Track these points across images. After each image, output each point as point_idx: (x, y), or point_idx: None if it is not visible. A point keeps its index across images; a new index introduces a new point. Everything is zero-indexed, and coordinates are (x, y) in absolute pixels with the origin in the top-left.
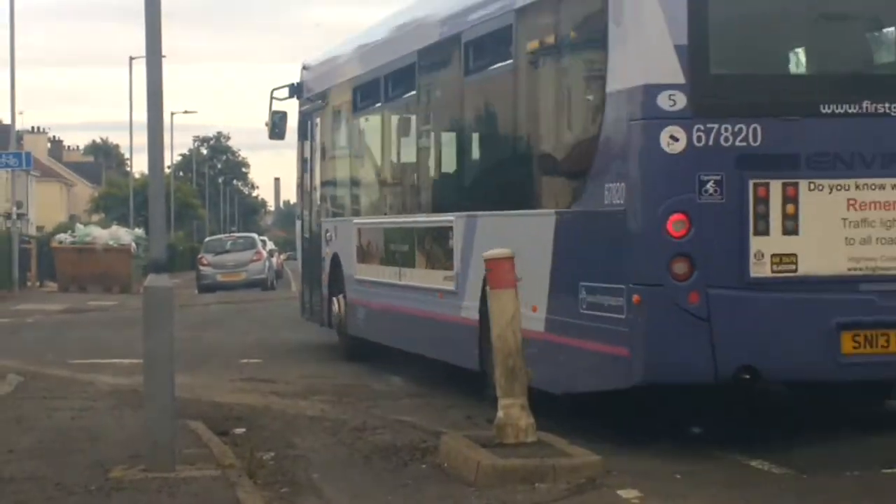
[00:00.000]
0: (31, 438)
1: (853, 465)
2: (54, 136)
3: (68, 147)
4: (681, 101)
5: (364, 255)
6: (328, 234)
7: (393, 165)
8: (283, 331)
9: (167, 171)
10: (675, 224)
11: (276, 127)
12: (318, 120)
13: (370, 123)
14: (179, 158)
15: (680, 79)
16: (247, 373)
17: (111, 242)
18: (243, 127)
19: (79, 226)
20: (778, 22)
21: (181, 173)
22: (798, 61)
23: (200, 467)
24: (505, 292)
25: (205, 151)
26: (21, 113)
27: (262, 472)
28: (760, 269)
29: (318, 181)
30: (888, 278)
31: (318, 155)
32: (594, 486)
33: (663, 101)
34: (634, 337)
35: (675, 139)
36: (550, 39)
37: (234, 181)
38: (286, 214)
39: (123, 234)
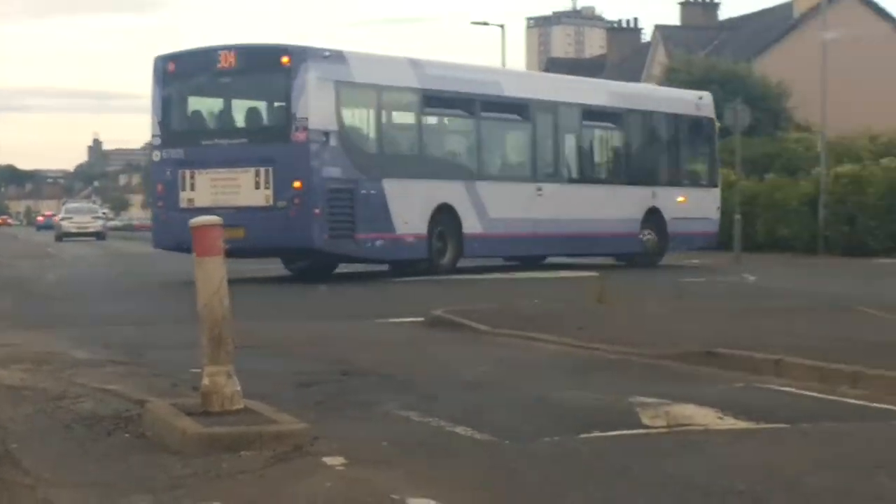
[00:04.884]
0: None
1: (551, 431)
2: None
3: None
4: (158, 142)
5: None
6: None
7: None
8: None
9: None
10: (158, 189)
11: None
12: None
13: None
14: None
15: (157, 133)
16: None
17: None
18: None
19: None
20: (192, 114)
21: None
22: (205, 125)
23: None
24: (211, 260)
25: None
26: None
27: None
28: (185, 204)
29: None
30: (223, 208)
31: None
32: (300, 453)
33: (154, 141)
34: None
35: (158, 156)
36: None
37: None
38: None
39: None
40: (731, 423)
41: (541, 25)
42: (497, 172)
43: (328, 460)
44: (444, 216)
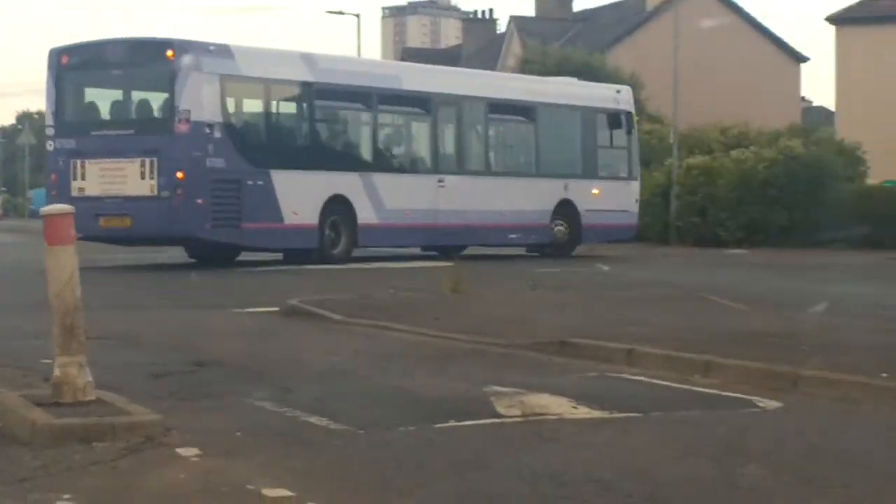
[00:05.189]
0: None
1: (406, 421)
2: None
3: None
4: (52, 132)
5: None
6: None
7: None
8: None
9: None
10: (52, 178)
11: None
12: None
13: None
14: None
15: (52, 123)
16: None
17: None
18: None
19: None
20: (84, 105)
21: None
22: (95, 116)
23: None
24: (62, 249)
25: None
26: None
27: None
28: (76, 192)
29: None
30: (111, 197)
31: None
32: (153, 444)
33: (49, 131)
34: None
35: (52, 145)
36: None
37: None
38: None
39: None
40: (585, 412)
41: (396, 15)
42: (395, 164)
43: (182, 451)
44: (338, 206)
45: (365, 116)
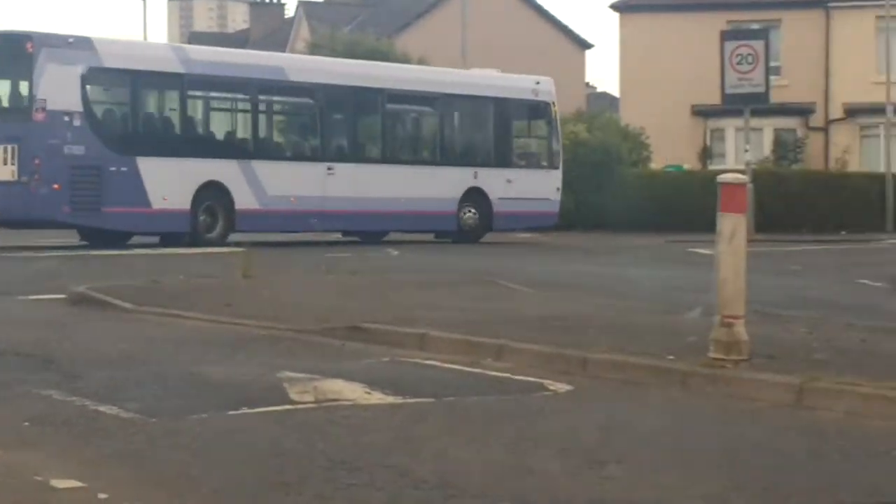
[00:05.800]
0: None
1: (198, 409)
2: None
3: None
4: None
5: None
6: None
7: None
8: None
9: None
10: None
11: None
12: None
13: None
14: None
15: None
16: None
17: None
18: None
19: None
20: None
21: None
22: None
23: None
24: None
25: None
26: None
27: None
28: None
29: None
30: None
31: None
32: None
33: None
34: None
35: None
36: None
37: None
38: None
39: None
40: (378, 398)
41: None
42: (279, 152)
43: None
44: (214, 192)
45: (243, 106)
